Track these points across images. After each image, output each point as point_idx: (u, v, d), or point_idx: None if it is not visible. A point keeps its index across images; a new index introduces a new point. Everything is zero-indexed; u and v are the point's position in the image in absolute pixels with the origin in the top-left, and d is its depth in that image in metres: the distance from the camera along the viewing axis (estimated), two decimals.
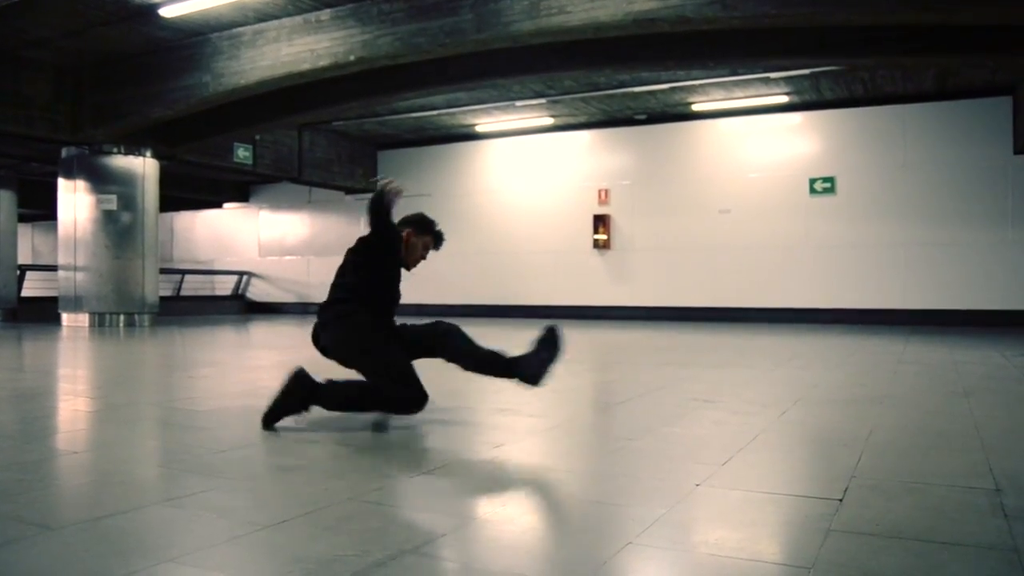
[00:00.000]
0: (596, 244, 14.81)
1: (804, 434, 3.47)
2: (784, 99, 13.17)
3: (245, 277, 19.09)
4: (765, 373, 5.87)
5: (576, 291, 15.01)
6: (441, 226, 3.96)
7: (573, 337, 9.78)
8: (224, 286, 19.12)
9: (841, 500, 2.30)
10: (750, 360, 6.94)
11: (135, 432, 3.57)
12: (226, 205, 19.71)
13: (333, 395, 3.43)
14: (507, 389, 4.49)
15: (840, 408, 4.13)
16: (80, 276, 12.14)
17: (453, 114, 14.49)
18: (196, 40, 10.24)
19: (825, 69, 11.19)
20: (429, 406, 3.52)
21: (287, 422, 3.45)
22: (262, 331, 11.85)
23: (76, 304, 12.18)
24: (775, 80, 12.15)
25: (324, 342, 3.67)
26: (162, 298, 13.70)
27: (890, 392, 4.70)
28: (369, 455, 3.01)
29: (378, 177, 3.94)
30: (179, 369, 6.55)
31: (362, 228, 17.54)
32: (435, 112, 14.24)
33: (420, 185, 16.62)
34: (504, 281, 15.73)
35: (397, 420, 3.64)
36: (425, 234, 3.90)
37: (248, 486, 2.52)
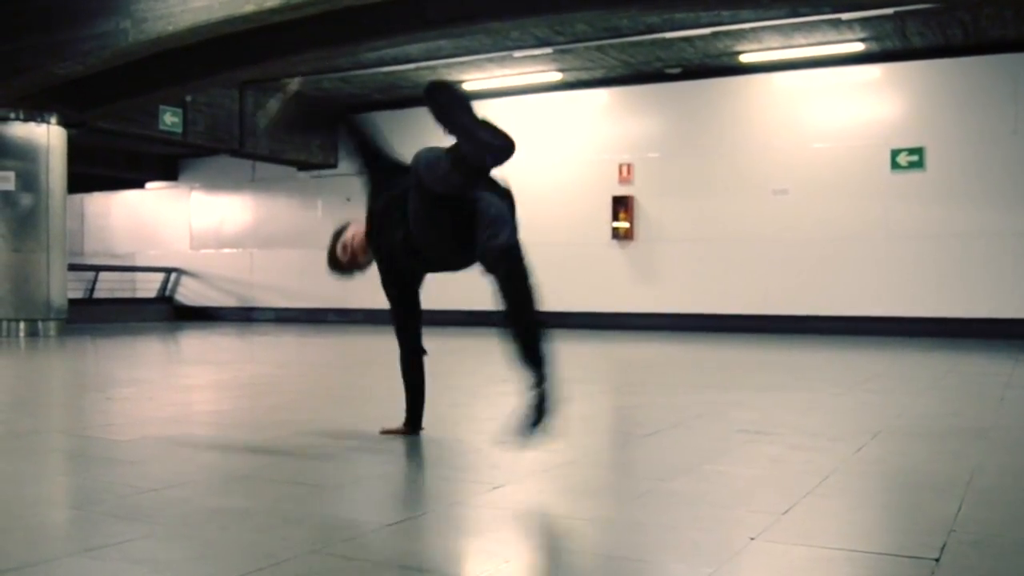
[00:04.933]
0: (616, 234, 14.82)
1: (886, 476, 3.48)
2: (859, 47, 13.14)
3: (173, 275, 19.06)
4: (832, 398, 5.88)
5: (590, 293, 14.97)
6: None
7: (587, 351, 9.79)
8: (148, 286, 19.10)
9: (937, 560, 2.30)
10: (811, 382, 6.95)
11: (42, 467, 3.59)
12: (149, 185, 19.69)
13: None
14: (505, 416, 4.49)
15: (932, 444, 4.14)
16: None
17: (434, 68, 14.47)
18: None
19: (913, 8, 11.05)
20: (406, 437, 3.50)
21: None
22: (195, 342, 11.84)
23: None
24: (848, 22, 12.07)
25: None
26: (72, 301, 13.69)
27: (996, 424, 4.71)
28: (335, 497, 3.01)
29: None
30: (94, 389, 6.55)
31: (319, 213, 17.60)
32: (411, 66, 14.23)
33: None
34: None
35: (370, 455, 3.64)
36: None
37: (185, 533, 2.53)
